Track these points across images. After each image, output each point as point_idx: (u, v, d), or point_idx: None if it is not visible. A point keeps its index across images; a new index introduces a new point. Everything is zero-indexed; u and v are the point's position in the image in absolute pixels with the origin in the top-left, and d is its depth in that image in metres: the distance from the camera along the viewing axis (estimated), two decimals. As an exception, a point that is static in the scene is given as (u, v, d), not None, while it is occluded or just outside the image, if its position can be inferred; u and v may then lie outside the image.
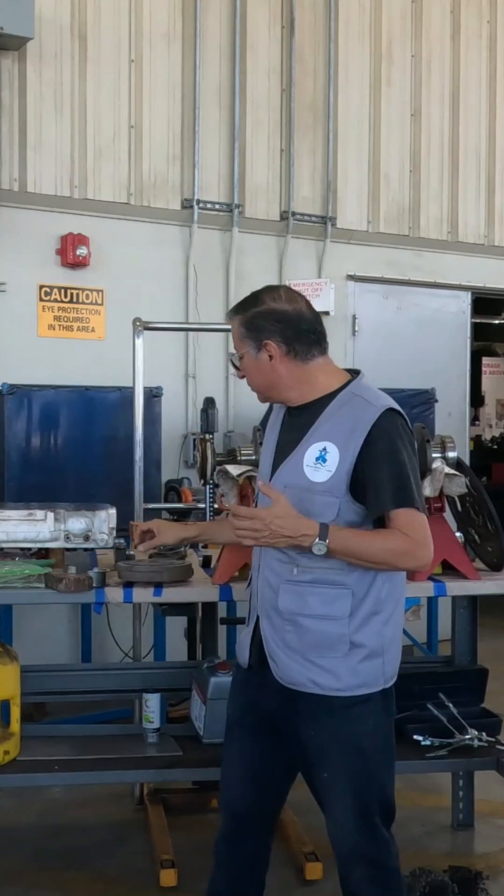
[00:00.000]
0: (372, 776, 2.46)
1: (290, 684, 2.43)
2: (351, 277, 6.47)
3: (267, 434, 2.59)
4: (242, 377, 2.55)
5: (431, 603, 5.21)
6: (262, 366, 2.47)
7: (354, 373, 2.52)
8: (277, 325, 2.46)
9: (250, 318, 2.48)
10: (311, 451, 2.38)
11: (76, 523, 3.16)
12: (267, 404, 2.63)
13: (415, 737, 3.35)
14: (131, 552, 3.14)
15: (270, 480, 2.44)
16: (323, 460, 2.37)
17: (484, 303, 7.67)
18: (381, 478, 2.33)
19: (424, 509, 2.40)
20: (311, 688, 2.40)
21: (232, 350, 2.60)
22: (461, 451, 4.92)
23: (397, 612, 2.48)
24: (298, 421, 2.47)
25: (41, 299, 5.51)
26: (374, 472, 2.33)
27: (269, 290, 2.53)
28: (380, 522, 2.39)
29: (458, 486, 3.17)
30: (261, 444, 2.68)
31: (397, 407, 2.42)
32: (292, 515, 2.30)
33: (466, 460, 5.26)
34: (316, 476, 2.37)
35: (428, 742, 3.33)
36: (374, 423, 2.34)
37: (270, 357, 2.45)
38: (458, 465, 3.24)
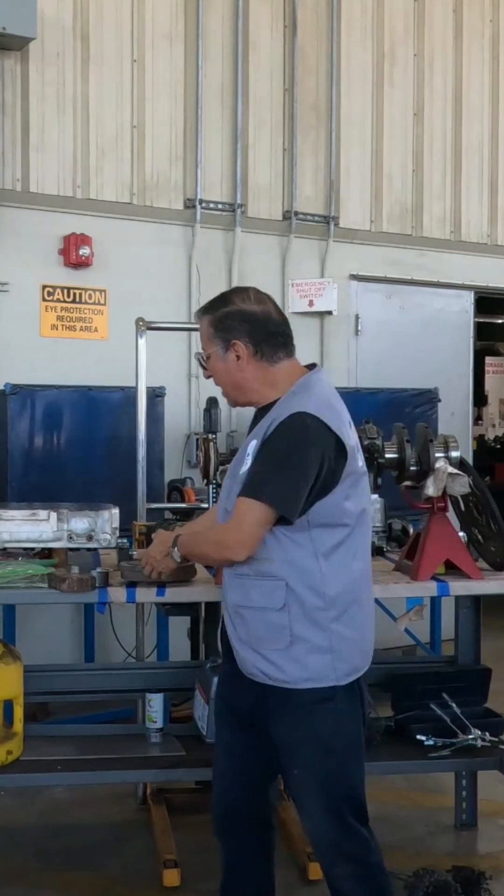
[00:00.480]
0: (340, 776, 2.50)
1: (248, 675, 2.52)
2: (354, 277, 6.47)
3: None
4: (209, 377, 2.64)
5: (434, 603, 5.20)
6: (229, 366, 2.53)
7: (313, 368, 2.58)
8: (246, 325, 2.52)
9: (219, 317, 2.54)
10: (249, 449, 2.50)
11: (79, 523, 3.16)
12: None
13: (418, 737, 3.35)
14: (134, 552, 3.14)
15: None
16: (250, 455, 2.49)
17: (487, 302, 7.66)
18: (252, 468, 2.44)
19: (274, 504, 2.38)
20: (262, 678, 2.49)
21: (199, 350, 2.65)
22: (464, 450, 4.88)
23: (354, 612, 2.49)
24: (257, 422, 2.56)
25: (44, 299, 5.51)
26: (252, 463, 2.45)
27: (238, 290, 2.62)
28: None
29: (461, 485, 3.17)
30: None
31: (311, 411, 2.40)
32: (159, 542, 2.76)
33: (469, 460, 5.25)
34: (244, 469, 2.49)
35: (431, 742, 3.34)
36: (281, 422, 2.41)
37: (238, 357, 2.52)
38: (461, 464, 3.23)
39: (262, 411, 2.55)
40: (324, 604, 2.44)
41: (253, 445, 2.48)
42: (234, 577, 2.51)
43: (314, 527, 2.42)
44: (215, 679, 3.20)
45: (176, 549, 2.68)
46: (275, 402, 2.50)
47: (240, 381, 2.55)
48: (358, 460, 2.50)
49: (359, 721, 2.54)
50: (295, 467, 2.38)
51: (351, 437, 2.48)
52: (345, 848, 2.50)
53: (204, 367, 2.63)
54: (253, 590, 2.47)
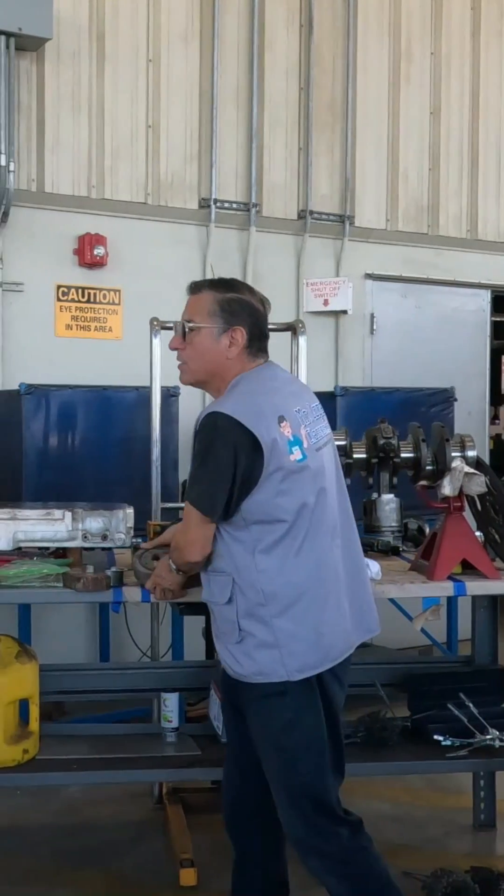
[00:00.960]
0: (293, 771, 2.52)
1: (230, 672, 2.59)
2: (369, 276, 6.44)
3: None
4: (175, 348, 2.59)
5: (451, 602, 5.17)
6: (217, 349, 2.53)
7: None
8: (249, 317, 2.54)
9: (228, 300, 2.54)
10: None
11: (94, 523, 3.16)
12: None
13: (435, 737, 3.34)
14: (138, 541, 3.15)
15: None
16: None
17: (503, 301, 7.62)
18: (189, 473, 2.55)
19: (197, 505, 2.49)
20: (230, 672, 2.58)
21: (187, 318, 2.59)
22: (481, 450, 4.87)
23: (303, 608, 2.48)
24: None
25: (58, 299, 5.52)
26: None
27: (242, 283, 2.67)
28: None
29: (478, 485, 3.15)
30: None
31: (225, 410, 2.43)
32: (161, 562, 2.76)
33: (486, 459, 5.23)
34: None
35: (448, 742, 3.32)
36: (199, 424, 2.50)
37: (230, 344, 2.52)
38: (477, 464, 3.21)
39: None
40: (263, 599, 2.46)
41: None
42: (203, 574, 2.62)
43: (251, 524, 2.46)
44: None
45: (171, 562, 2.70)
46: None
47: (219, 368, 2.55)
48: (291, 454, 2.44)
49: (318, 718, 2.52)
50: (210, 468, 2.43)
51: (272, 431, 2.42)
52: (312, 842, 2.56)
53: (183, 337, 2.57)
54: (212, 584, 2.58)
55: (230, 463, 2.39)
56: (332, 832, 2.52)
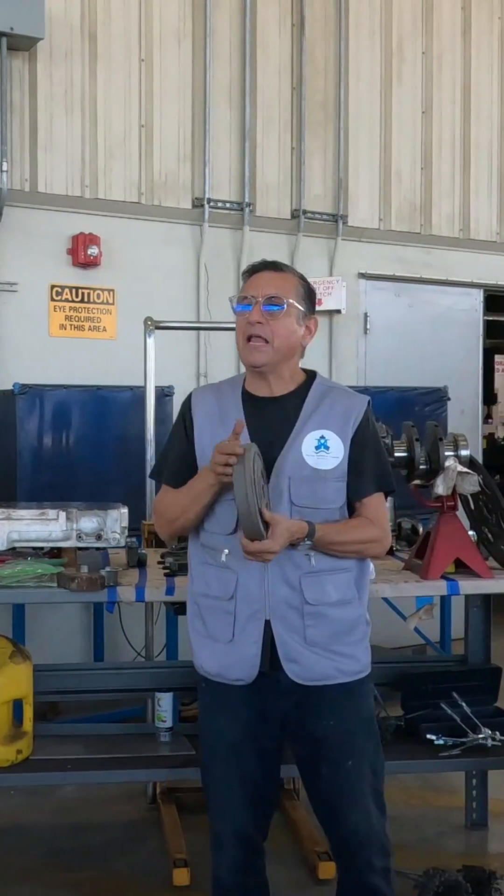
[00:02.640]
0: (380, 756, 2.52)
1: (313, 681, 2.40)
2: (362, 275, 6.46)
3: (211, 427, 2.44)
4: (258, 322, 2.36)
5: (444, 602, 5.18)
6: (297, 332, 2.44)
7: (309, 372, 2.55)
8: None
9: (310, 288, 2.50)
10: (309, 441, 2.40)
11: (88, 522, 3.17)
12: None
13: (428, 736, 3.35)
14: (143, 552, 3.14)
15: (271, 476, 2.36)
16: (325, 448, 2.40)
17: (496, 300, 7.63)
18: (366, 464, 2.43)
19: (392, 491, 2.54)
20: (338, 677, 2.41)
21: (274, 293, 2.38)
22: (474, 449, 4.89)
23: None
24: (274, 412, 2.43)
25: (52, 299, 5.51)
26: (360, 458, 2.42)
27: None
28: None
29: (471, 484, 3.15)
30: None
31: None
32: (288, 530, 2.29)
33: (479, 458, 5.23)
34: (322, 464, 2.39)
35: (441, 741, 3.33)
36: (364, 412, 2.44)
37: (307, 333, 2.47)
38: (470, 463, 3.22)
39: (266, 400, 2.43)
40: (364, 584, 2.52)
41: (327, 436, 2.40)
42: (308, 575, 2.38)
43: None
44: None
45: (311, 540, 2.34)
46: (290, 393, 2.44)
47: (294, 351, 2.45)
48: None
49: None
50: (386, 453, 2.58)
51: None
52: (383, 840, 2.46)
53: (271, 311, 2.36)
54: (329, 585, 2.40)
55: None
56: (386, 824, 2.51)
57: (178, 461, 2.50)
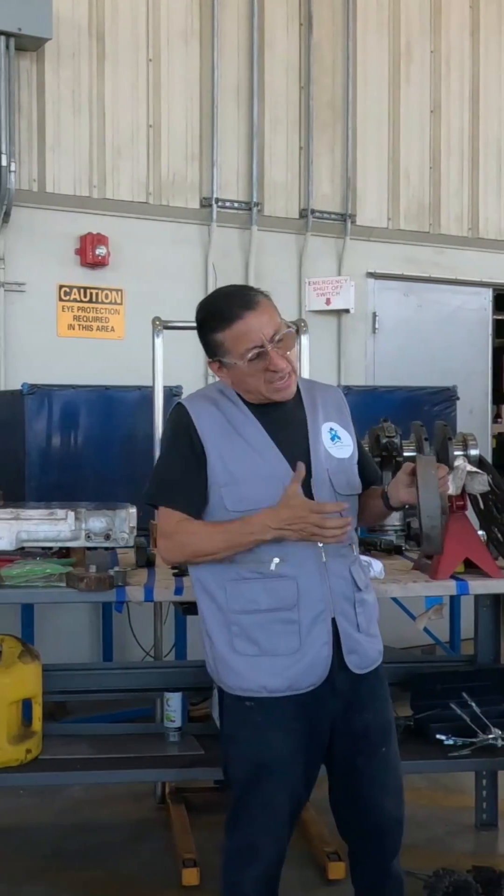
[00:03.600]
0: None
1: (366, 668, 2.43)
2: (371, 275, 6.44)
3: (226, 439, 2.37)
4: (283, 353, 2.33)
5: (454, 602, 5.17)
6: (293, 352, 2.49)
7: None
8: None
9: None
10: (325, 434, 2.45)
11: (97, 522, 3.17)
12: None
13: (437, 736, 3.33)
14: (152, 551, 3.13)
15: (312, 471, 2.36)
16: (338, 438, 2.46)
17: (505, 299, 7.62)
18: (363, 448, 2.59)
19: None
20: (378, 659, 2.47)
21: (276, 328, 2.33)
22: (483, 448, 4.87)
23: None
24: (282, 414, 2.41)
25: (61, 299, 5.52)
26: (360, 444, 2.54)
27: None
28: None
29: (481, 483, 3.15)
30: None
31: None
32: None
33: (489, 458, 5.23)
34: (341, 453, 2.46)
35: (451, 741, 3.31)
36: (344, 399, 2.55)
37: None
38: (480, 462, 3.21)
39: (267, 407, 2.40)
40: None
41: (334, 427, 2.47)
42: (354, 565, 2.44)
43: None
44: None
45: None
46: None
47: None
48: None
49: None
50: None
51: None
52: (403, 829, 2.56)
53: (284, 344, 2.33)
54: (361, 571, 2.50)
55: None
56: None
57: (191, 483, 2.35)
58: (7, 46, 5.15)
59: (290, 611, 2.32)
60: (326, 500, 2.34)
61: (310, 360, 4.20)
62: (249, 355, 2.29)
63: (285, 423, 2.41)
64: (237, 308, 2.31)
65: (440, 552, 2.17)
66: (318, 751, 2.43)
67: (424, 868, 3.23)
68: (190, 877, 3.34)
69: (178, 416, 2.40)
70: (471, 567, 3.19)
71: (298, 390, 2.47)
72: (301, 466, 2.28)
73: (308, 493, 2.32)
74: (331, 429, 2.46)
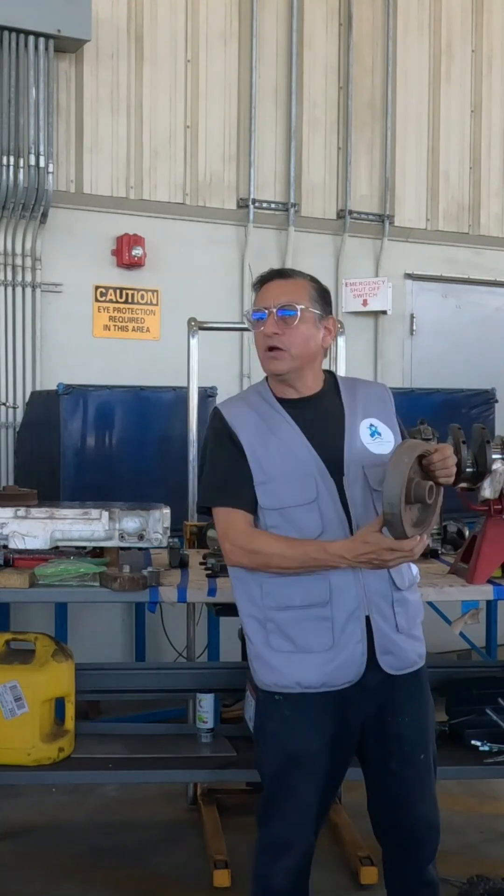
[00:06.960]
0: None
1: (403, 670, 2.40)
2: (409, 276, 6.40)
3: (262, 438, 2.39)
4: (274, 333, 2.36)
5: (490, 607, 5.11)
6: (315, 336, 2.42)
7: (327, 371, 2.57)
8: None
9: (322, 290, 2.48)
10: (363, 430, 2.43)
11: (130, 522, 3.17)
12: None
13: (473, 742, 3.30)
14: (185, 552, 3.13)
15: (344, 468, 2.36)
16: (378, 434, 2.43)
17: (545, 301, 7.53)
18: None
19: None
20: (418, 662, 2.44)
21: (286, 301, 2.37)
22: (521, 451, 4.83)
23: None
24: (317, 410, 2.43)
25: (97, 300, 5.54)
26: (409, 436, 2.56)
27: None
28: None
29: (518, 486, 3.10)
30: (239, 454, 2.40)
31: None
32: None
33: (526, 461, 5.15)
34: (381, 449, 2.41)
35: (486, 747, 3.28)
36: (391, 396, 2.51)
37: (327, 333, 2.45)
38: (518, 465, 3.16)
39: (301, 401, 2.42)
40: None
41: (375, 423, 2.45)
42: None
43: None
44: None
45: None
46: (319, 392, 2.46)
47: (312, 356, 2.43)
48: None
49: None
50: None
51: None
52: (439, 832, 2.54)
53: (284, 320, 2.36)
54: (404, 569, 2.43)
55: None
56: None
57: (240, 481, 2.37)
58: (46, 48, 5.19)
59: (323, 608, 2.33)
60: (358, 496, 2.36)
61: (346, 362, 4.18)
62: (250, 312, 2.42)
63: (321, 419, 2.42)
64: (273, 275, 2.46)
65: (405, 537, 2.18)
66: (347, 749, 2.43)
67: (459, 875, 3.19)
68: (221, 878, 3.33)
69: (217, 420, 2.46)
70: (508, 572, 3.14)
71: (337, 386, 2.49)
72: (379, 519, 2.22)
73: (340, 491, 2.35)
74: (371, 425, 2.44)
